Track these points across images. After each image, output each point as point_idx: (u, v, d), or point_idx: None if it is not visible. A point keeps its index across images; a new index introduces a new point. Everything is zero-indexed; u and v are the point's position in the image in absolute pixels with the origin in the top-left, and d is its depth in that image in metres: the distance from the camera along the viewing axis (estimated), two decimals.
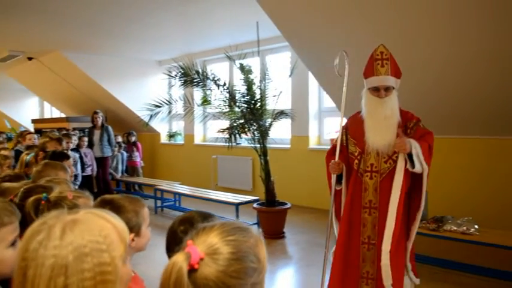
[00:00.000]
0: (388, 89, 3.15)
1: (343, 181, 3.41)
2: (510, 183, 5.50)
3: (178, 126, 11.19)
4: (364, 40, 5.16)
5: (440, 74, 5.06)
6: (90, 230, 0.89)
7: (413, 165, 3.00)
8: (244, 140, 6.96)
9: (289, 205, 6.27)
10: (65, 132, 7.94)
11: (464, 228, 4.30)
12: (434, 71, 5.05)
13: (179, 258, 0.90)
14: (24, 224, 1.73)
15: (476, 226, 4.31)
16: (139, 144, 9.87)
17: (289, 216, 6.35)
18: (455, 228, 4.36)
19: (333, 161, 3.35)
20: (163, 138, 11.26)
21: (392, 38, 4.87)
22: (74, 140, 8.04)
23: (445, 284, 4.20)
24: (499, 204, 5.51)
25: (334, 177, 3.41)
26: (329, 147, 3.76)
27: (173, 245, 1.50)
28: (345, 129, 3.45)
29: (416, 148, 3.00)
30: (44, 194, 1.74)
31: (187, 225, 1.56)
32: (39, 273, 0.84)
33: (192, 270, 0.89)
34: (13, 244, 1.44)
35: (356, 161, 3.31)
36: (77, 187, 4.17)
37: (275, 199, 6.33)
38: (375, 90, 3.17)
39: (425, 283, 4.22)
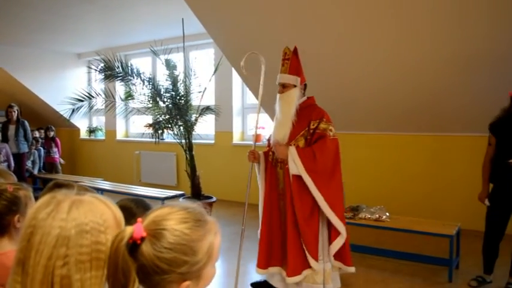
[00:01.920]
0: (286, 86, 3.52)
1: (259, 169, 3.76)
2: (418, 175, 6.06)
3: (99, 121, 10.90)
4: (286, 37, 5.41)
5: (360, 75, 5.44)
6: (93, 211, 0.99)
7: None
8: (169, 136, 6.98)
9: (214, 199, 6.40)
10: None
11: (377, 215, 4.68)
12: (357, 71, 5.43)
13: (126, 230, 0.99)
14: None
15: (387, 214, 4.70)
16: (58, 140, 9.49)
17: (215, 209, 6.49)
18: (369, 216, 4.72)
19: (249, 150, 3.69)
20: (83, 134, 10.92)
21: (315, 32, 5.16)
22: None
23: (360, 267, 4.54)
24: (408, 193, 6.05)
25: (256, 167, 3.75)
26: (251, 142, 4.03)
27: None
28: None
29: (292, 155, 3.38)
30: None
31: (124, 211, 1.64)
32: (44, 241, 0.94)
33: (135, 245, 0.98)
34: None
35: (270, 153, 3.68)
36: None
37: (201, 193, 6.43)
38: (279, 86, 3.57)
39: None
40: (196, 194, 6.38)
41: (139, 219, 1.03)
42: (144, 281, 1.01)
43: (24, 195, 1.83)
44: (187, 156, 6.46)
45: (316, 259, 3.49)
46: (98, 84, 8.48)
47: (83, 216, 0.97)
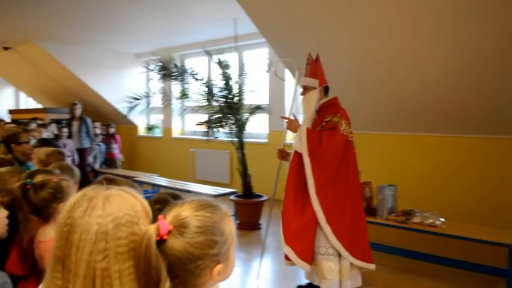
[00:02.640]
0: (306, 88, 3.81)
1: (287, 166, 3.96)
2: (475, 179, 5.76)
3: (157, 119, 11.22)
4: (338, 36, 5.32)
5: (405, 76, 5.26)
6: (125, 204, 1.03)
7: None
8: (222, 134, 7.08)
9: (265, 197, 6.42)
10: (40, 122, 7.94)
11: (431, 221, 4.51)
12: (398, 73, 5.25)
13: (150, 229, 1.02)
14: (14, 208, 1.89)
15: (442, 219, 4.52)
16: (117, 136, 9.88)
17: (266, 208, 6.51)
18: (422, 221, 4.56)
19: (278, 149, 4.01)
20: (142, 131, 11.28)
21: (367, 33, 5.05)
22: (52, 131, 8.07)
23: (411, 274, 4.42)
24: (464, 198, 5.78)
25: (286, 165, 3.97)
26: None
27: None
28: None
29: (301, 132, 3.62)
30: (28, 180, 1.88)
31: (162, 203, 1.72)
32: (84, 238, 0.98)
33: (161, 241, 1.01)
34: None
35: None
36: None
37: (252, 192, 6.48)
38: (302, 89, 3.87)
39: (393, 272, 4.45)
40: (247, 192, 6.43)
41: (160, 217, 1.06)
42: (177, 276, 1.03)
43: (67, 185, 1.95)
44: (239, 154, 6.52)
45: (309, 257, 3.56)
46: (155, 84, 8.75)
47: (117, 210, 1.01)
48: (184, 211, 1.07)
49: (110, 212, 1.00)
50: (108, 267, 0.97)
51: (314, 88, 3.77)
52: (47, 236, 1.86)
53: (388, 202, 4.84)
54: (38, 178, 1.92)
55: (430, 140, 6.10)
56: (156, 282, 1.00)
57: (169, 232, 1.02)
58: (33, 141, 4.31)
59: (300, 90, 3.94)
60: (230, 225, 1.13)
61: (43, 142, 4.07)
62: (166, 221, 1.04)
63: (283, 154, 4.07)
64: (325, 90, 3.85)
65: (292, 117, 3.90)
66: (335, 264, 3.56)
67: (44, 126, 8.10)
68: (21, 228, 1.89)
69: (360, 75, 5.63)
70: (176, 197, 1.81)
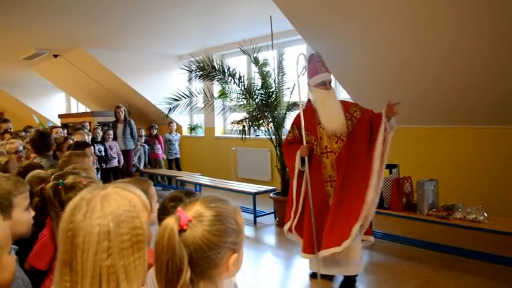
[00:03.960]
0: (330, 82, 4.04)
1: (306, 162, 4.00)
2: None
3: (199, 119, 11.40)
4: (374, 31, 5.24)
5: (443, 68, 5.11)
6: (122, 200, 1.07)
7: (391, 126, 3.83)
8: (262, 132, 7.12)
9: None
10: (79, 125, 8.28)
11: (474, 216, 4.36)
12: (437, 65, 5.10)
13: (171, 220, 1.08)
14: (45, 206, 2.00)
15: (485, 214, 4.37)
16: (160, 137, 10.12)
17: None
18: (464, 216, 4.42)
19: (302, 145, 4.01)
20: (185, 131, 11.50)
21: (403, 29, 4.95)
22: (98, 133, 8.38)
23: (453, 271, 4.29)
24: (508, 192, 5.54)
25: (298, 160, 4.03)
26: None
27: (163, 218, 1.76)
28: (295, 125, 4.16)
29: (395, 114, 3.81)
30: (60, 180, 1.98)
31: (176, 201, 1.88)
32: (88, 240, 1.02)
33: (181, 231, 1.06)
34: (27, 209, 1.76)
35: (314, 147, 4.04)
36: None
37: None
38: (322, 85, 3.99)
39: (434, 270, 4.34)
40: (286, 189, 6.43)
41: (178, 209, 1.12)
42: (197, 265, 1.08)
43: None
44: (278, 152, 6.54)
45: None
46: (196, 84, 8.89)
47: (115, 207, 1.05)
48: (199, 204, 1.13)
49: (109, 211, 1.04)
50: (113, 264, 1.01)
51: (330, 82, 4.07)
52: None
53: (429, 197, 4.72)
54: (69, 180, 2.02)
55: (471, 132, 5.90)
56: (178, 270, 1.05)
57: (189, 222, 1.08)
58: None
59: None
60: (241, 219, 1.19)
61: (76, 145, 4.24)
62: (186, 213, 1.09)
63: (308, 150, 4.03)
64: None
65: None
66: None
67: (80, 128, 8.47)
68: (53, 224, 1.98)
69: (398, 70, 5.52)
70: (190, 194, 1.93)
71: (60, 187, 1.95)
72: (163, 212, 1.87)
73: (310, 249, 4.00)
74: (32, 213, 1.88)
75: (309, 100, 4.26)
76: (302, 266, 4.70)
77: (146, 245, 1.08)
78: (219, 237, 1.09)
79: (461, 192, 5.59)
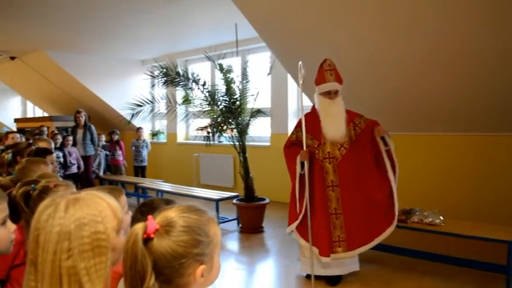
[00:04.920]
0: (336, 92, 4.15)
1: (306, 167, 4.16)
2: (474, 177, 5.79)
3: (161, 125, 11.31)
4: (339, 40, 5.38)
5: (415, 76, 5.31)
6: (89, 205, 1.10)
7: (386, 144, 4.16)
8: (225, 138, 7.15)
9: (267, 201, 6.47)
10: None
11: (430, 219, 4.53)
12: (407, 72, 5.30)
13: (138, 226, 1.09)
14: (17, 212, 1.94)
15: (441, 217, 4.54)
16: (122, 143, 9.96)
17: (268, 211, 6.56)
18: (422, 220, 4.58)
19: (302, 150, 4.17)
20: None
21: (370, 39, 5.10)
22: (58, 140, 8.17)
23: (413, 273, 4.44)
24: (463, 196, 5.81)
25: (299, 164, 4.21)
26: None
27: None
28: (299, 128, 4.31)
29: (386, 132, 4.14)
30: (32, 185, 1.94)
31: (147, 207, 1.87)
32: (48, 239, 1.05)
33: (148, 239, 1.08)
34: (3, 223, 1.65)
35: (316, 151, 4.22)
36: None
37: (254, 195, 6.52)
38: (327, 94, 4.17)
39: (394, 272, 4.47)
40: (249, 195, 6.48)
41: (149, 217, 1.12)
42: (162, 274, 1.08)
43: (63, 191, 1.99)
44: (241, 158, 6.57)
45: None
46: (159, 90, 8.84)
47: (79, 211, 1.08)
48: (171, 213, 1.14)
49: (72, 213, 1.07)
50: (74, 265, 1.03)
51: (338, 91, 4.19)
52: None
53: None
54: (41, 184, 1.99)
55: (426, 139, 6.16)
56: (141, 276, 1.06)
57: (156, 231, 1.09)
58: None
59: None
60: (215, 229, 1.20)
61: (37, 152, 4.07)
62: (154, 221, 1.11)
63: (308, 154, 4.22)
64: None
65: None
66: None
67: (38, 134, 8.26)
68: (24, 231, 1.93)
69: (362, 78, 5.68)
70: (169, 203, 1.91)
71: (32, 191, 1.92)
72: (134, 220, 1.87)
73: (326, 251, 4.10)
74: (13, 227, 1.79)
75: (313, 105, 4.44)
76: (264, 271, 4.76)
77: (110, 251, 1.10)
78: (184, 248, 1.09)
79: (419, 197, 5.80)
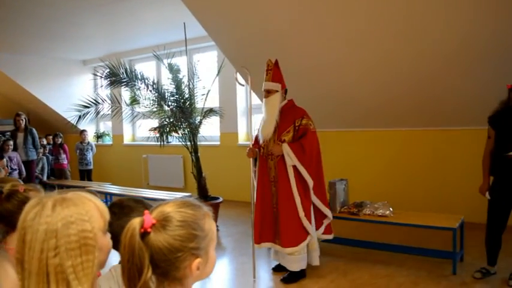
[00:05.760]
0: (270, 92, 4.23)
1: (251, 164, 4.48)
2: (420, 170, 6.11)
3: (106, 126, 11.02)
4: (288, 39, 5.48)
5: (361, 73, 5.51)
6: (76, 205, 1.10)
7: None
8: (175, 139, 7.07)
9: (221, 199, 6.48)
10: None
11: (381, 211, 4.73)
12: (357, 70, 5.49)
13: (136, 221, 1.11)
14: None
15: (391, 209, 4.75)
16: (66, 147, 9.62)
17: (222, 210, 6.57)
18: (373, 212, 4.77)
19: (248, 147, 4.40)
20: (91, 139, 11.04)
21: (315, 36, 5.24)
22: None
23: (366, 262, 4.62)
24: (411, 188, 6.12)
25: (251, 161, 4.45)
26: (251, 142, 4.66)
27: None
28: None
29: (286, 150, 4.14)
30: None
31: (117, 208, 1.82)
32: (35, 237, 1.04)
33: (145, 234, 1.09)
34: None
35: (261, 149, 4.41)
36: None
37: (207, 194, 6.52)
38: (265, 92, 4.29)
39: (349, 263, 4.63)
40: (202, 195, 6.46)
41: (146, 211, 1.14)
42: (158, 267, 1.11)
43: (34, 195, 1.93)
44: (193, 158, 6.54)
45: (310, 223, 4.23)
46: (104, 90, 8.60)
47: (66, 210, 1.08)
48: (168, 207, 1.16)
49: (59, 211, 1.07)
50: (61, 263, 1.03)
51: (276, 91, 4.22)
52: (13, 244, 1.86)
53: (340, 196, 5.03)
54: (7, 187, 1.93)
55: (376, 134, 6.41)
56: (139, 269, 1.07)
57: (153, 225, 1.10)
58: None
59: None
60: (210, 224, 1.22)
61: None
62: (151, 216, 1.12)
63: (254, 152, 4.43)
64: (285, 92, 4.35)
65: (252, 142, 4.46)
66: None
67: None
68: None
69: (311, 77, 5.82)
70: (137, 202, 1.90)
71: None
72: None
73: (257, 239, 4.37)
74: None
75: None
76: (221, 269, 4.78)
77: (97, 250, 1.10)
78: (180, 242, 1.11)
79: (369, 190, 6.03)
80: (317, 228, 4.40)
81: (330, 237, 4.57)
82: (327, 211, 4.43)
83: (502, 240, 4.02)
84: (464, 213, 4.79)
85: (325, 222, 4.49)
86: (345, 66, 5.53)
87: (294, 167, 4.18)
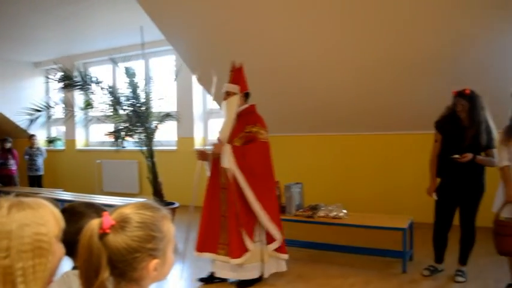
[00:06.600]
0: (229, 94, 4.14)
1: (197, 167, 4.34)
2: (372, 173, 6.32)
3: (58, 131, 10.72)
4: (245, 43, 5.55)
5: (314, 80, 5.65)
6: (33, 208, 1.10)
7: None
8: (130, 143, 6.98)
9: (177, 205, 6.43)
10: None
11: (335, 213, 4.85)
12: (311, 76, 5.62)
13: (95, 222, 1.12)
14: None
15: (344, 211, 4.88)
16: (15, 151, 9.28)
17: (178, 215, 6.51)
18: (327, 214, 4.89)
19: (198, 150, 4.33)
20: (42, 144, 10.71)
21: (270, 47, 5.33)
22: None
23: (321, 264, 4.72)
24: (363, 190, 6.32)
25: (206, 165, 4.32)
26: (209, 147, 4.60)
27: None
28: None
29: (226, 151, 3.97)
30: None
31: (68, 213, 1.73)
32: None
33: (104, 235, 1.11)
34: None
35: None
36: None
37: (163, 199, 6.46)
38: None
39: (304, 264, 4.71)
40: (158, 200, 6.40)
41: (105, 213, 1.15)
42: (116, 267, 1.12)
43: None
44: (149, 163, 6.48)
45: (252, 240, 4.00)
46: (57, 94, 8.39)
47: (22, 213, 1.08)
48: (127, 209, 1.18)
49: (14, 213, 1.07)
50: (11, 265, 1.03)
51: (235, 94, 4.12)
52: None
53: (296, 199, 5.12)
54: None
55: (331, 138, 6.59)
56: (96, 270, 1.09)
57: (112, 226, 1.12)
58: None
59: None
60: (169, 226, 1.24)
61: None
62: (110, 217, 1.14)
63: (203, 155, 4.32)
64: (246, 96, 4.23)
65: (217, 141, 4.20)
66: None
67: None
68: None
69: (267, 81, 5.91)
70: (90, 206, 1.87)
71: None
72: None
73: (199, 247, 4.22)
74: None
75: None
76: (176, 275, 4.76)
77: (51, 254, 1.11)
78: (139, 243, 1.13)
79: (324, 193, 6.17)
80: (269, 243, 4.10)
81: (284, 256, 4.20)
82: (274, 231, 4.05)
83: (448, 238, 4.22)
84: (413, 213, 4.99)
85: (274, 245, 4.10)
86: (300, 73, 5.66)
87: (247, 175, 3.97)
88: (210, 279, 4.31)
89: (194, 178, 4.32)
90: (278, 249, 4.15)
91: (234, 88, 4.15)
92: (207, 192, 4.24)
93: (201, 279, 4.37)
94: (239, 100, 4.13)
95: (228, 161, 3.96)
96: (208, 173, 4.33)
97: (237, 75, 4.18)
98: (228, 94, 4.16)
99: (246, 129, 4.08)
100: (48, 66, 9.85)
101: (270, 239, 4.10)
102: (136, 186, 8.81)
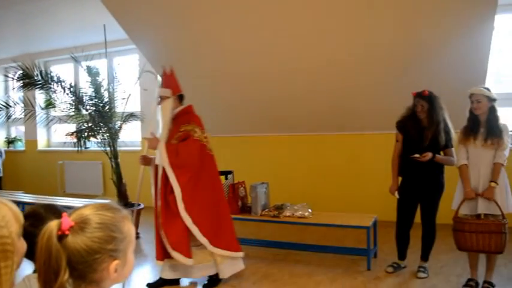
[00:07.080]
0: (163, 98, 4.14)
1: (142, 171, 4.40)
2: (337, 172, 6.42)
3: (18, 131, 10.40)
4: (207, 42, 5.54)
5: (275, 79, 5.68)
6: None
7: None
8: (94, 144, 6.84)
9: (142, 206, 6.35)
10: None
11: (300, 212, 4.89)
12: (272, 75, 5.65)
13: (53, 223, 1.10)
14: None
15: (310, 210, 4.92)
16: None
17: (143, 216, 6.45)
18: (293, 214, 4.92)
19: (141, 155, 4.30)
20: (1, 145, 10.37)
21: (223, 51, 5.33)
22: None
23: (286, 263, 4.75)
24: (328, 190, 6.41)
25: (150, 170, 4.33)
26: None
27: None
28: None
29: (160, 147, 3.98)
30: None
31: (32, 219, 1.69)
32: None
33: (63, 236, 1.08)
34: None
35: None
36: None
37: (128, 201, 6.37)
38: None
39: (270, 264, 4.73)
40: (123, 201, 6.31)
41: (64, 214, 1.13)
42: (76, 269, 1.10)
43: None
44: (113, 164, 6.37)
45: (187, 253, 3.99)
46: (16, 93, 8.14)
47: None
48: (86, 210, 1.16)
49: None
50: None
51: (168, 97, 4.12)
52: None
53: (261, 199, 5.13)
54: None
55: (295, 139, 6.66)
56: (55, 272, 1.06)
57: (71, 228, 1.10)
58: None
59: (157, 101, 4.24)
60: (129, 227, 1.23)
61: None
62: (69, 218, 1.11)
63: (145, 160, 4.32)
64: (180, 98, 4.23)
65: (151, 136, 4.16)
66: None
67: None
68: None
69: (227, 82, 5.92)
70: (50, 209, 1.82)
71: None
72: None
73: (158, 255, 4.18)
74: None
75: None
76: (143, 277, 4.70)
77: (15, 255, 1.08)
78: (99, 244, 1.12)
79: (289, 193, 6.21)
80: (215, 245, 4.06)
81: (238, 254, 4.22)
82: (197, 234, 3.99)
83: (410, 236, 4.32)
84: (377, 212, 5.07)
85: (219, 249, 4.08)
86: (264, 74, 5.68)
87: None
88: (160, 283, 4.29)
89: (138, 183, 4.43)
90: (231, 248, 4.16)
91: (167, 92, 4.15)
92: (155, 197, 4.25)
93: (149, 285, 4.33)
94: (173, 103, 4.13)
95: (162, 159, 3.98)
96: (152, 180, 4.31)
97: (167, 80, 4.21)
98: (162, 99, 4.16)
99: (181, 128, 4.09)
100: (7, 64, 9.53)
101: (222, 245, 4.10)
102: (100, 187, 8.64)
